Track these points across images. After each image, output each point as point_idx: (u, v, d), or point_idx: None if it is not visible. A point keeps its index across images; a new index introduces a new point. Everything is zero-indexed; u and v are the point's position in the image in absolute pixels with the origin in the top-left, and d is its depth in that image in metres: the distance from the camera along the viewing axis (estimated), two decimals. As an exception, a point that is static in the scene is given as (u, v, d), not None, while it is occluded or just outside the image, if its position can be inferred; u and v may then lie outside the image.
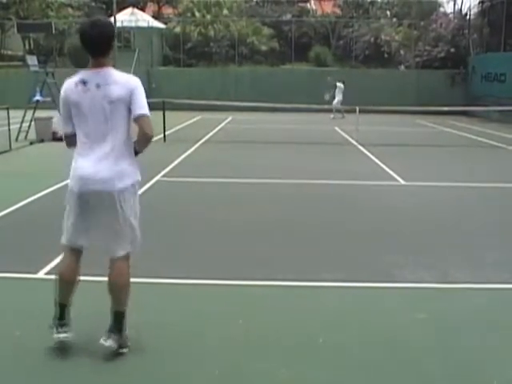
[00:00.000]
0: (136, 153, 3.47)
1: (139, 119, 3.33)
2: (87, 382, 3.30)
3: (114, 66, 3.46)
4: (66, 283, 3.53)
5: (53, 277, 4.28)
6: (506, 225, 6.99)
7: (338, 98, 23.39)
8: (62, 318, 3.53)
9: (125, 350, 3.51)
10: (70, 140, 3.46)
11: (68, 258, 3.56)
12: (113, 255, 3.45)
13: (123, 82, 3.32)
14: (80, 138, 3.36)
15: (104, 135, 3.29)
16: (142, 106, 3.33)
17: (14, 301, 4.42)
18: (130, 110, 3.32)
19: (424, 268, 5.25)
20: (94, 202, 3.35)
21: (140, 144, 3.42)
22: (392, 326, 4.05)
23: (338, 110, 22.99)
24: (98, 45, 3.29)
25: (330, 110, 23.43)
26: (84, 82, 3.29)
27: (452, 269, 5.26)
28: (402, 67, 31.81)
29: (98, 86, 3.27)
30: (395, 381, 3.36)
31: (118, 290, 3.45)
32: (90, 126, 3.30)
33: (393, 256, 5.59)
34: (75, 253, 3.54)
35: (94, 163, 3.29)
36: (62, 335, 3.49)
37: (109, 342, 3.42)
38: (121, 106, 3.29)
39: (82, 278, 3.63)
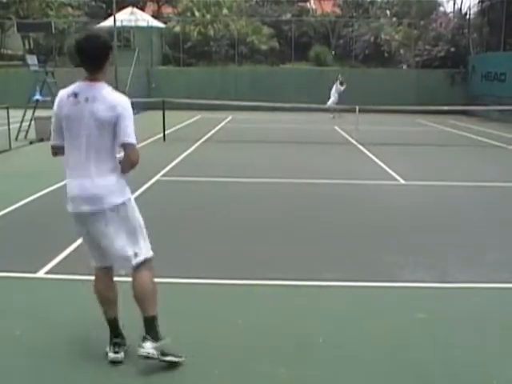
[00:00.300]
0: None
1: (125, 148, 3.27)
2: (84, 382, 3.30)
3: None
4: (104, 300, 3.50)
5: (53, 276, 4.30)
6: (506, 224, 6.99)
7: (334, 97, 23.38)
8: (114, 335, 3.49)
9: (173, 359, 3.39)
10: (57, 151, 3.41)
11: (99, 277, 3.52)
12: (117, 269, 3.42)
13: (111, 102, 3.22)
14: (69, 152, 3.30)
15: (92, 150, 3.23)
16: (127, 133, 3.24)
17: (13, 300, 4.42)
18: (115, 130, 3.24)
19: (424, 268, 5.25)
20: (89, 220, 3.30)
21: (124, 168, 3.36)
22: (392, 326, 4.05)
23: (334, 110, 22.93)
24: (93, 59, 3.24)
25: (329, 110, 23.43)
26: (75, 95, 3.24)
27: (452, 268, 5.26)
28: (405, 67, 31.71)
29: (86, 99, 3.21)
30: (395, 380, 3.36)
31: (140, 298, 3.40)
32: (79, 139, 3.24)
33: (393, 256, 5.59)
34: (105, 270, 3.51)
35: (82, 181, 3.24)
36: (112, 355, 3.44)
37: (144, 350, 3.33)
38: (106, 125, 3.21)
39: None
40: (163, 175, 9.86)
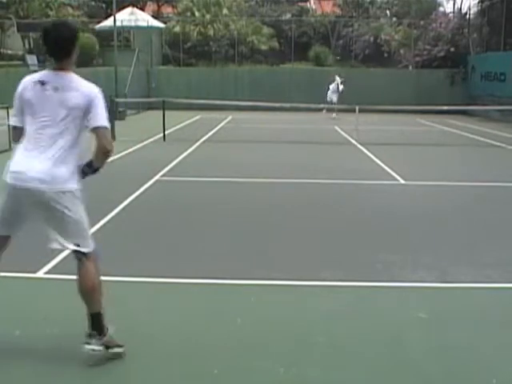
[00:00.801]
0: (96, 169, 3.38)
1: (96, 131, 3.23)
2: (85, 381, 3.30)
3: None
4: None
5: (53, 276, 4.29)
6: (506, 224, 6.99)
7: (335, 94, 23.40)
8: None
9: (118, 350, 3.43)
10: (17, 133, 3.37)
11: None
12: (65, 246, 3.37)
13: (83, 90, 3.23)
14: (28, 135, 3.27)
15: (52, 138, 3.20)
16: (100, 117, 3.23)
17: (13, 300, 4.41)
18: (85, 120, 3.23)
19: (424, 267, 5.25)
20: (27, 199, 3.25)
21: (98, 158, 3.32)
22: (392, 326, 4.05)
23: (332, 109, 22.90)
24: (61, 46, 3.23)
25: (331, 110, 23.35)
26: (42, 83, 3.23)
27: (452, 268, 5.26)
28: (411, 67, 31.51)
29: (56, 88, 3.20)
30: (395, 380, 3.36)
31: (87, 292, 3.38)
32: (40, 126, 3.22)
33: (393, 255, 5.59)
34: (6, 237, 3.51)
35: (35, 161, 3.20)
36: None
37: (90, 346, 3.35)
38: (76, 114, 3.20)
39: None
40: (163, 175, 9.86)
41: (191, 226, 6.72)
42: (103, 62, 29.73)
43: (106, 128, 3.26)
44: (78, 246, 3.35)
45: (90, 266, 3.38)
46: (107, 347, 3.40)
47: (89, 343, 3.36)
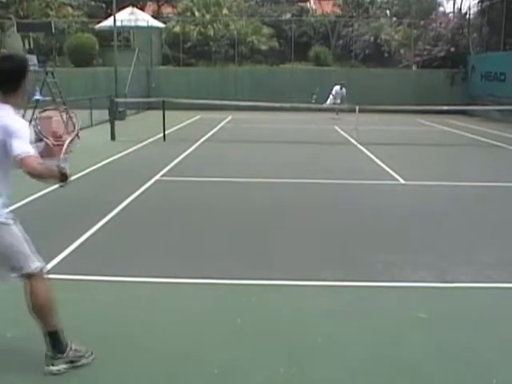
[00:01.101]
0: (62, 180, 3.35)
1: (17, 161, 3.18)
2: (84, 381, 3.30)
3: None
4: None
5: (52, 276, 4.28)
6: (506, 224, 6.99)
7: (339, 98, 23.47)
8: None
9: (85, 361, 3.40)
10: None
11: None
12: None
13: (4, 123, 3.17)
14: None
15: None
16: (18, 147, 3.14)
17: (13, 300, 4.41)
18: (6, 152, 3.18)
19: (424, 267, 5.25)
20: None
21: (33, 178, 3.27)
22: (392, 326, 4.05)
23: (333, 109, 22.94)
24: (6, 80, 3.20)
25: (332, 110, 23.33)
26: None
27: (452, 268, 5.26)
28: (414, 67, 31.43)
29: None
30: (395, 380, 3.36)
31: (36, 311, 3.36)
32: None
33: (393, 255, 5.59)
34: None
35: None
36: None
37: (55, 367, 3.33)
38: (1, 145, 3.16)
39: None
40: (163, 175, 9.86)
41: (191, 225, 6.72)
42: (103, 62, 29.75)
43: (23, 156, 3.14)
44: (21, 269, 3.34)
45: (35, 285, 3.37)
46: (72, 362, 3.37)
47: (53, 364, 3.33)
